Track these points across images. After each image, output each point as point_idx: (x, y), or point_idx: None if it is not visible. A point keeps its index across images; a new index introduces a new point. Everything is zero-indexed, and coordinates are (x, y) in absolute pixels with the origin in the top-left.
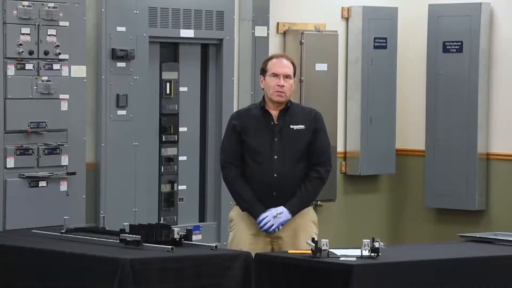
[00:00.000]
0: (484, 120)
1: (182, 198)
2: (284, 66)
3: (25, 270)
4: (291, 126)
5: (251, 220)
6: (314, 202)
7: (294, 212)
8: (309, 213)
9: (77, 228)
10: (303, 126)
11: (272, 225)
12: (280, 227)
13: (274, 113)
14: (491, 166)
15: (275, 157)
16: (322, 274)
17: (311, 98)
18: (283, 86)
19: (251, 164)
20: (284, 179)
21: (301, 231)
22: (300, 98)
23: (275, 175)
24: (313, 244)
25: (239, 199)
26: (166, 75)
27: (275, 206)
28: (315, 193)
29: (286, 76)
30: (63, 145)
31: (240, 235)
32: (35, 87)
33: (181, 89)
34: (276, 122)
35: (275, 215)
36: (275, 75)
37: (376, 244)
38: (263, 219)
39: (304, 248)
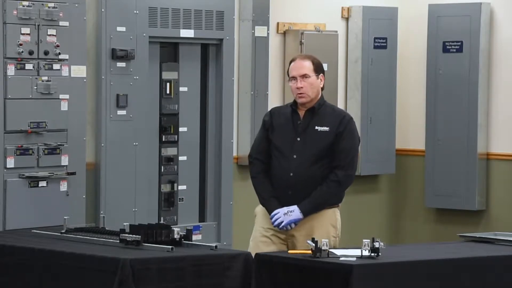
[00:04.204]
0: (484, 120)
1: (182, 198)
2: (299, 67)
3: (25, 270)
4: (316, 127)
5: (266, 217)
6: (339, 204)
7: (305, 212)
8: (328, 214)
9: (77, 228)
10: (328, 128)
11: (282, 221)
12: (293, 225)
13: (301, 113)
14: (491, 166)
15: (294, 156)
16: (322, 274)
17: None
18: (301, 87)
19: (274, 161)
20: (299, 179)
21: (316, 232)
22: None
23: (291, 174)
24: (313, 244)
25: (258, 194)
26: (166, 75)
27: (291, 205)
28: (330, 195)
29: (304, 76)
30: (63, 145)
31: (257, 230)
32: (35, 87)
33: (181, 89)
34: (301, 121)
35: (286, 212)
36: (293, 78)
37: (376, 244)
38: (275, 215)
39: None
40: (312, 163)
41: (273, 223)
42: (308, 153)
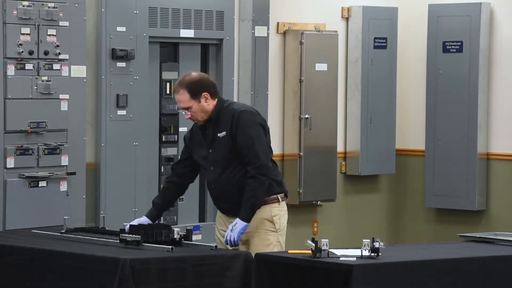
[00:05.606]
0: (484, 120)
1: (182, 198)
2: (178, 101)
3: (25, 270)
4: (218, 135)
5: (221, 219)
6: (279, 197)
7: (245, 218)
8: (261, 211)
9: (77, 228)
10: (225, 132)
11: (234, 237)
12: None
13: (207, 125)
14: (491, 166)
15: (212, 168)
16: (322, 274)
17: (311, 98)
18: (190, 117)
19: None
20: (220, 189)
21: (251, 229)
22: (300, 98)
23: (213, 186)
24: (313, 244)
25: None
26: (166, 75)
27: (234, 216)
28: (255, 192)
29: (185, 109)
30: (63, 145)
31: (216, 232)
32: (35, 87)
33: None
34: (207, 133)
35: (232, 228)
36: None
37: (376, 244)
38: (227, 235)
39: (254, 243)
40: (223, 170)
41: (227, 243)
42: (219, 162)
